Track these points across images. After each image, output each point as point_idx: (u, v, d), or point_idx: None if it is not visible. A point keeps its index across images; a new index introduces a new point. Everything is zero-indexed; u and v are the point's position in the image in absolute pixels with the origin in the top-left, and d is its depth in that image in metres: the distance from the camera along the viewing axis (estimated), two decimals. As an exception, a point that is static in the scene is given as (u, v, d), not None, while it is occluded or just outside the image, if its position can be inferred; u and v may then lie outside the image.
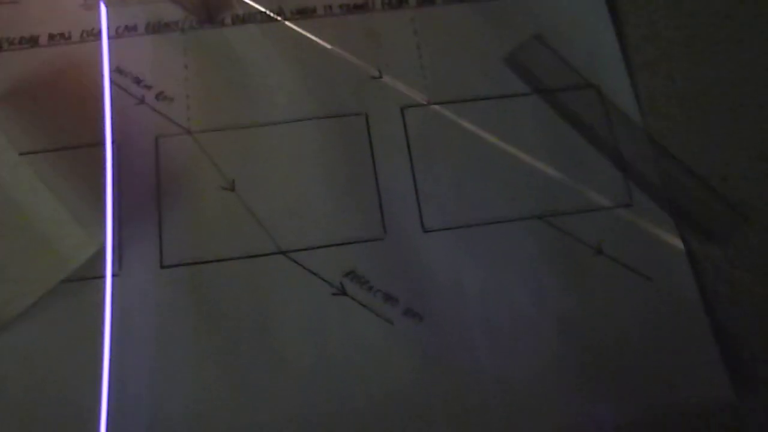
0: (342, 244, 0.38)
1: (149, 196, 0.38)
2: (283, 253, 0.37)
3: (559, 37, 0.42)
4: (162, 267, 0.37)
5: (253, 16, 0.43)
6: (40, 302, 0.36)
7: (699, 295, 0.37)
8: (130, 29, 0.42)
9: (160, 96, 0.40)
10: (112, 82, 0.40)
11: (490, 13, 0.43)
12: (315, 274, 0.37)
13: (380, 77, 0.41)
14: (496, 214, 0.38)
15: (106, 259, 0.35)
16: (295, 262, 0.37)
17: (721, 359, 0.36)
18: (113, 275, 0.36)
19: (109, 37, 0.41)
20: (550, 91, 0.41)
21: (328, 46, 0.42)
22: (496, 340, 0.36)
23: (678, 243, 0.38)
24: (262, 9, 0.43)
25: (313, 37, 0.42)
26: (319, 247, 0.37)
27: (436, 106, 0.41)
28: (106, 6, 0.37)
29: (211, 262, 0.37)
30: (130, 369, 0.35)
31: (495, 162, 0.40)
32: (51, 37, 0.42)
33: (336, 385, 0.35)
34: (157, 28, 0.42)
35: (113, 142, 0.39)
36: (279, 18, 0.42)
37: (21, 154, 0.37)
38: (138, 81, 0.40)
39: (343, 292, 0.37)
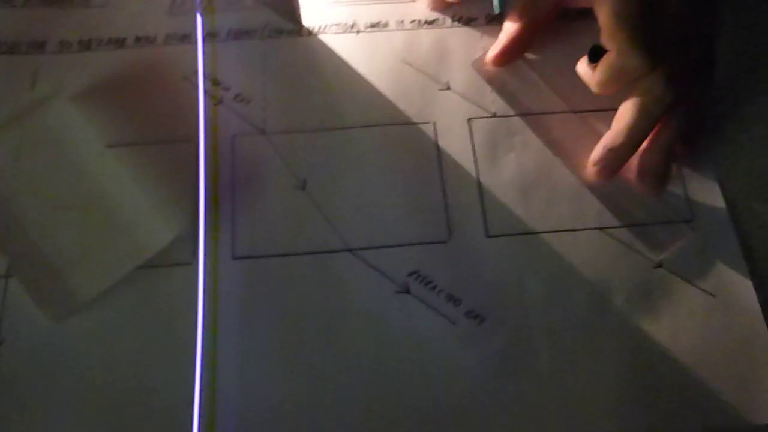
0: (407, 245, 0.39)
1: (224, 191, 0.40)
2: (350, 250, 0.38)
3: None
4: (233, 258, 0.38)
5: (328, 27, 0.45)
6: (115, 287, 0.37)
7: (762, 315, 0.37)
8: (213, 36, 0.44)
9: (237, 97, 0.42)
10: (192, 83, 0.42)
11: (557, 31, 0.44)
12: (380, 271, 0.38)
13: (448, 89, 0.43)
14: (558, 223, 0.39)
15: (199, 248, 0.37)
16: (362, 259, 0.38)
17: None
18: (186, 264, 0.38)
19: (192, 42, 0.43)
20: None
21: (399, 59, 0.44)
22: (555, 347, 0.37)
23: (740, 260, 0.38)
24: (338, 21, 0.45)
25: (385, 50, 0.44)
26: (385, 247, 0.38)
27: (502, 118, 0.42)
28: (201, 15, 0.40)
29: (281, 256, 0.38)
30: (192, 354, 0.36)
31: (558, 172, 0.41)
32: (137, 39, 0.44)
33: (397, 379, 0.36)
34: (237, 35, 0.44)
35: (192, 140, 0.40)
36: (353, 30, 0.44)
37: (107, 146, 0.39)
38: (217, 83, 0.42)
39: (407, 290, 0.38)
